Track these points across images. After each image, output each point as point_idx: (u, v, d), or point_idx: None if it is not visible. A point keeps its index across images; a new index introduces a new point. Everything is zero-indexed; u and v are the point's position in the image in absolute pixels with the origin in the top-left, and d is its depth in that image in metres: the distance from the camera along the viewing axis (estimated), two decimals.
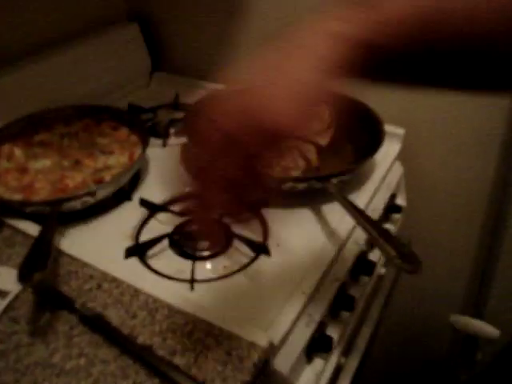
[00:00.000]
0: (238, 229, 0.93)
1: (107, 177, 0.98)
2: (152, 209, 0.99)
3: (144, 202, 1.00)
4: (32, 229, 0.92)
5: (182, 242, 0.92)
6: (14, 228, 0.95)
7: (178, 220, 0.97)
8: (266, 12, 1.31)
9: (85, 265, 0.86)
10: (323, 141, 1.14)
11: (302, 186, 0.95)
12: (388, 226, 1.18)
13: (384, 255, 0.77)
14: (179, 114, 1.31)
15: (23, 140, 1.11)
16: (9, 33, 1.20)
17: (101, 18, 1.43)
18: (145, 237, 0.93)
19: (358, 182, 1.08)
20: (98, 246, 0.92)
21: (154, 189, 1.06)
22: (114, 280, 0.83)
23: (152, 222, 0.99)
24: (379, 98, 1.19)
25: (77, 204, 0.92)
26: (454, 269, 1.42)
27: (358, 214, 0.86)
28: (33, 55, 1.23)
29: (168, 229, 0.95)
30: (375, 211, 1.07)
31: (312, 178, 0.95)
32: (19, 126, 1.13)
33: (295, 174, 1.02)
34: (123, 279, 0.83)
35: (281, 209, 1.01)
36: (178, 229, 0.95)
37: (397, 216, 1.19)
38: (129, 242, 0.92)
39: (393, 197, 1.18)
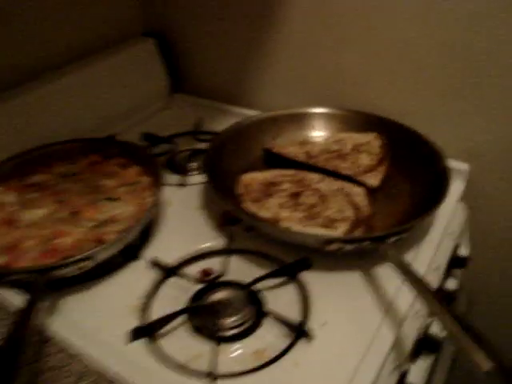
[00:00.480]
0: (271, 299, 0.75)
1: (110, 234, 0.79)
2: (165, 272, 0.80)
3: (156, 264, 0.81)
4: (17, 300, 0.74)
5: (202, 317, 0.73)
6: None
7: (196, 285, 0.79)
8: (299, 32, 1.11)
9: (76, 357, 0.68)
10: (374, 180, 0.94)
11: (351, 247, 0.75)
12: (450, 282, 0.97)
13: (471, 361, 0.56)
14: (202, 145, 1.12)
15: (18, 182, 0.93)
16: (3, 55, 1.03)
17: (112, 33, 1.25)
18: (156, 308, 0.76)
19: (417, 235, 0.87)
20: (96, 323, 0.74)
21: (169, 242, 0.88)
22: (114, 380, 0.64)
23: (165, 288, 0.80)
24: (438, 128, 1.00)
25: (71, 271, 0.74)
26: None
27: (426, 291, 0.66)
28: (31, 80, 1.06)
29: (185, 296, 0.78)
30: (438, 270, 0.87)
31: (363, 239, 0.75)
32: (13, 165, 0.96)
33: (342, 227, 0.82)
34: (126, 379, 0.64)
35: (324, 272, 0.81)
36: (196, 298, 0.76)
37: (459, 271, 0.98)
38: (135, 317, 0.75)
39: (456, 247, 0.97)
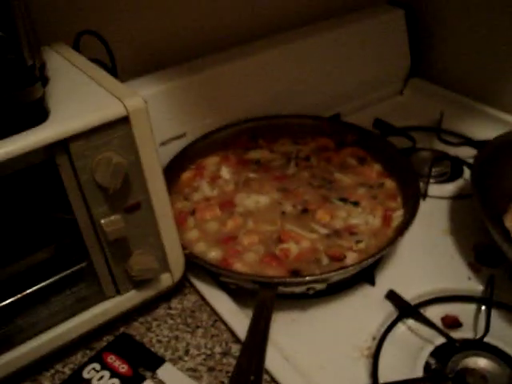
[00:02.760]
0: None
1: (346, 250, 0.62)
2: (402, 309, 0.62)
3: (393, 298, 0.63)
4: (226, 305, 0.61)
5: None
6: (201, 296, 0.64)
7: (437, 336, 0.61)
8: None
9: None
10: None
11: None
12: None
13: None
14: (446, 147, 0.91)
15: (235, 154, 0.79)
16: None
17: None
18: (385, 358, 0.59)
19: None
20: (314, 356, 0.59)
21: (406, 271, 0.70)
22: None
23: (398, 330, 0.62)
24: None
25: (298, 290, 0.58)
26: None
27: None
28: (255, 41, 0.91)
29: (421, 348, 0.60)
30: None
31: None
32: (232, 134, 0.81)
33: None
34: None
35: None
36: (437, 355, 0.59)
37: None
38: (361, 365, 0.58)
39: None
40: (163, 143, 0.78)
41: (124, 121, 0.51)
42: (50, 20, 0.70)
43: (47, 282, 0.55)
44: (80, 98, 0.53)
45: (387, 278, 0.68)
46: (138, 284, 0.59)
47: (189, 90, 0.80)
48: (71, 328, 0.57)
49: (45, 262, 0.54)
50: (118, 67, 0.71)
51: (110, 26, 0.76)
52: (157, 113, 0.75)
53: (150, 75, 0.80)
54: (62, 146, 0.49)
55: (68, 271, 0.56)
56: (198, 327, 0.61)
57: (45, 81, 0.55)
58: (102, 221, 0.53)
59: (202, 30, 0.86)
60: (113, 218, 0.53)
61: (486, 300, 0.64)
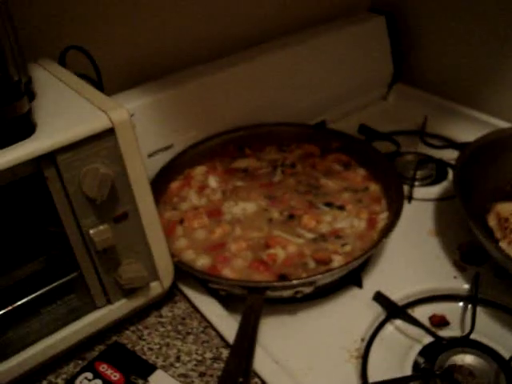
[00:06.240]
0: None
1: (333, 253, 0.63)
2: (389, 310, 0.63)
3: (380, 299, 0.64)
4: (216, 310, 0.62)
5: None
6: (191, 303, 0.65)
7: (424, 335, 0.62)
8: None
9: None
10: None
11: None
12: None
13: None
14: (430, 150, 0.92)
15: (222, 164, 0.80)
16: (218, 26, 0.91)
17: (333, 6, 1.07)
18: (374, 358, 0.60)
19: None
20: (302, 360, 0.59)
21: (392, 272, 0.71)
22: None
23: (386, 330, 0.63)
24: None
25: (285, 294, 0.59)
26: None
27: None
28: (238, 51, 0.92)
29: (410, 347, 0.61)
30: None
31: None
32: (218, 144, 0.83)
33: None
34: None
35: None
36: (425, 354, 0.60)
37: None
38: (351, 365, 0.59)
39: None
40: (151, 155, 0.79)
41: (109, 133, 0.52)
42: (37, 36, 0.71)
43: (38, 293, 0.55)
44: (66, 112, 0.54)
45: (374, 280, 0.69)
46: (128, 293, 0.60)
47: (175, 102, 0.81)
48: (63, 338, 0.58)
49: (35, 273, 0.55)
50: (104, 81, 0.72)
51: (96, 41, 0.77)
52: (144, 125, 0.76)
53: (136, 88, 0.81)
54: (49, 158, 0.49)
55: (59, 282, 0.56)
56: (188, 334, 0.62)
57: (31, 96, 0.56)
58: (91, 231, 0.54)
59: (186, 42, 0.88)
60: (101, 227, 0.54)
61: (472, 298, 0.66)
